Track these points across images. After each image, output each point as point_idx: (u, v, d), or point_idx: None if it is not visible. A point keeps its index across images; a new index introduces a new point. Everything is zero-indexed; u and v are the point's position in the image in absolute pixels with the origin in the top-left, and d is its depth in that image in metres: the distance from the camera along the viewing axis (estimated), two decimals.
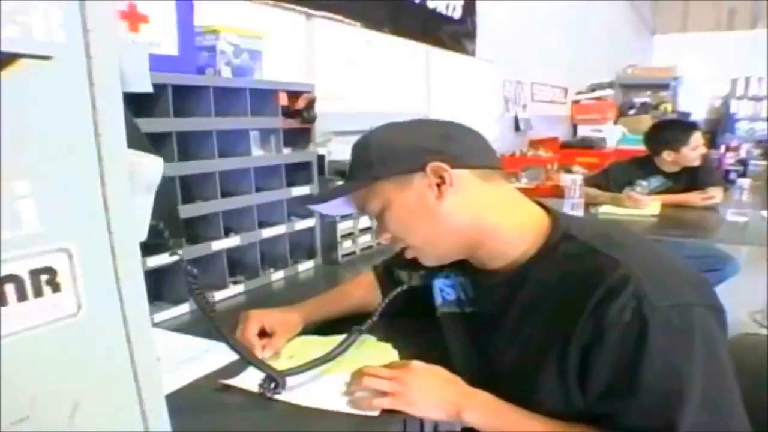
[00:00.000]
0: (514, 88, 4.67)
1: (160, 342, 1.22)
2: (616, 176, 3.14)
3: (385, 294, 1.29)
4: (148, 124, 1.29)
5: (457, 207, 0.95)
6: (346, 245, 1.95)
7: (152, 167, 0.64)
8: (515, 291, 0.95)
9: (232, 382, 1.01)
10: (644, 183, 3.07)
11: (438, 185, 0.94)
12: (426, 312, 1.15)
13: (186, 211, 1.41)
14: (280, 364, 1.09)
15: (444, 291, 1.13)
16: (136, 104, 1.24)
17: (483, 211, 0.96)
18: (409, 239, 1.00)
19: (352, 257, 1.97)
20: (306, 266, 1.85)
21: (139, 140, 0.68)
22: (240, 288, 1.60)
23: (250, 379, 1.01)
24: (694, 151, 2.95)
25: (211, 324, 0.85)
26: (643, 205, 2.84)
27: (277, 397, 0.97)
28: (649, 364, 0.78)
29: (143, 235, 0.67)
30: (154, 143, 1.36)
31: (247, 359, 0.92)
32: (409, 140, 0.97)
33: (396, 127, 1.01)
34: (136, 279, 0.53)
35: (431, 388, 0.95)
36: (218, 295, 1.53)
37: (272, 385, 0.95)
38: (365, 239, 2.03)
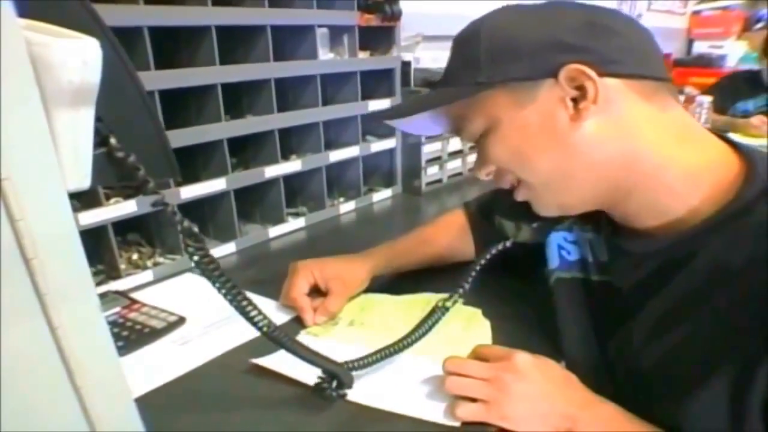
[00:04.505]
0: None
1: (190, 294, 0.99)
2: (725, 91, 2.70)
3: (478, 242, 1.02)
4: (176, 15, 1.01)
5: (601, 134, 0.62)
6: (432, 172, 1.65)
7: (77, 53, 0.35)
8: (676, 267, 0.63)
9: (266, 363, 0.76)
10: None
11: (575, 100, 0.62)
12: (529, 269, 0.86)
13: (234, 128, 1.14)
14: (338, 333, 0.85)
15: (563, 249, 0.82)
16: None
17: (641, 142, 0.63)
18: (523, 173, 0.69)
19: (438, 186, 1.68)
20: (382, 195, 1.58)
21: (66, 10, 0.39)
22: (300, 222, 1.35)
23: (289, 361, 0.75)
24: None
25: (232, 300, 0.58)
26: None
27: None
28: None
29: (81, 179, 0.41)
30: (185, 42, 1.09)
31: (288, 348, 0.65)
32: (537, 31, 0.63)
33: (518, 12, 0.67)
34: (62, 245, 0.35)
35: (539, 396, 0.65)
36: (272, 232, 1.28)
37: (334, 384, 0.69)
38: (454, 165, 1.71)
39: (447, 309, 0.77)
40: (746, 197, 0.58)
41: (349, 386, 0.69)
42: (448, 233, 1.06)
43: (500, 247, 0.80)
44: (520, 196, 0.72)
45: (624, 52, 0.62)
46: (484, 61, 0.64)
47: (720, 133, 0.67)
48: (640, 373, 0.67)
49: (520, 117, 0.65)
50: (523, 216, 0.77)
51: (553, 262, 0.82)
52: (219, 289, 0.55)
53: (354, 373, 0.70)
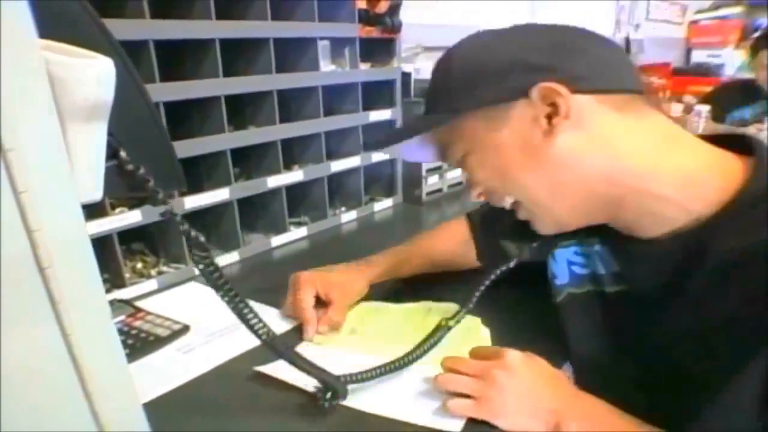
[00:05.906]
0: (629, 5, 4.17)
1: (194, 303, 1.00)
2: (721, 100, 2.66)
3: (481, 252, 1.04)
4: (181, 29, 1.03)
5: (577, 148, 0.65)
6: (432, 181, 1.66)
7: (92, 72, 0.37)
8: (689, 267, 0.63)
9: (268, 370, 0.77)
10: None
11: (548, 117, 0.64)
12: (530, 278, 0.86)
13: (236, 139, 1.15)
14: (340, 341, 0.87)
15: (574, 264, 0.82)
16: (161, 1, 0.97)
17: (620, 153, 0.65)
18: (510, 192, 0.71)
19: (438, 195, 1.70)
20: (383, 205, 1.59)
21: (81, 30, 0.41)
22: (302, 231, 1.36)
23: (290, 369, 0.76)
24: None
25: (234, 308, 0.59)
26: None
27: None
28: None
29: (94, 191, 0.42)
30: (189, 54, 1.11)
31: (287, 358, 0.66)
32: (505, 53, 0.66)
33: (487, 37, 0.69)
34: (75, 255, 0.37)
35: (529, 393, 0.67)
36: (275, 241, 1.29)
37: (328, 395, 0.70)
38: (454, 174, 1.73)
39: (450, 328, 0.79)
40: (750, 192, 0.59)
41: (344, 397, 0.71)
42: (450, 242, 1.07)
43: (503, 268, 0.81)
44: (520, 215, 0.74)
45: (591, 68, 0.64)
46: (455, 89, 0.67)
47: (722, 135, 0.68)
48: (654, 374, 0.68)
49: (496, 138, 0.67)
50: (523, 235, 0.79)
51: (563, 278, 0.82)
52: (222, 297, 0.57)
53: (349, 386, 0.71)
